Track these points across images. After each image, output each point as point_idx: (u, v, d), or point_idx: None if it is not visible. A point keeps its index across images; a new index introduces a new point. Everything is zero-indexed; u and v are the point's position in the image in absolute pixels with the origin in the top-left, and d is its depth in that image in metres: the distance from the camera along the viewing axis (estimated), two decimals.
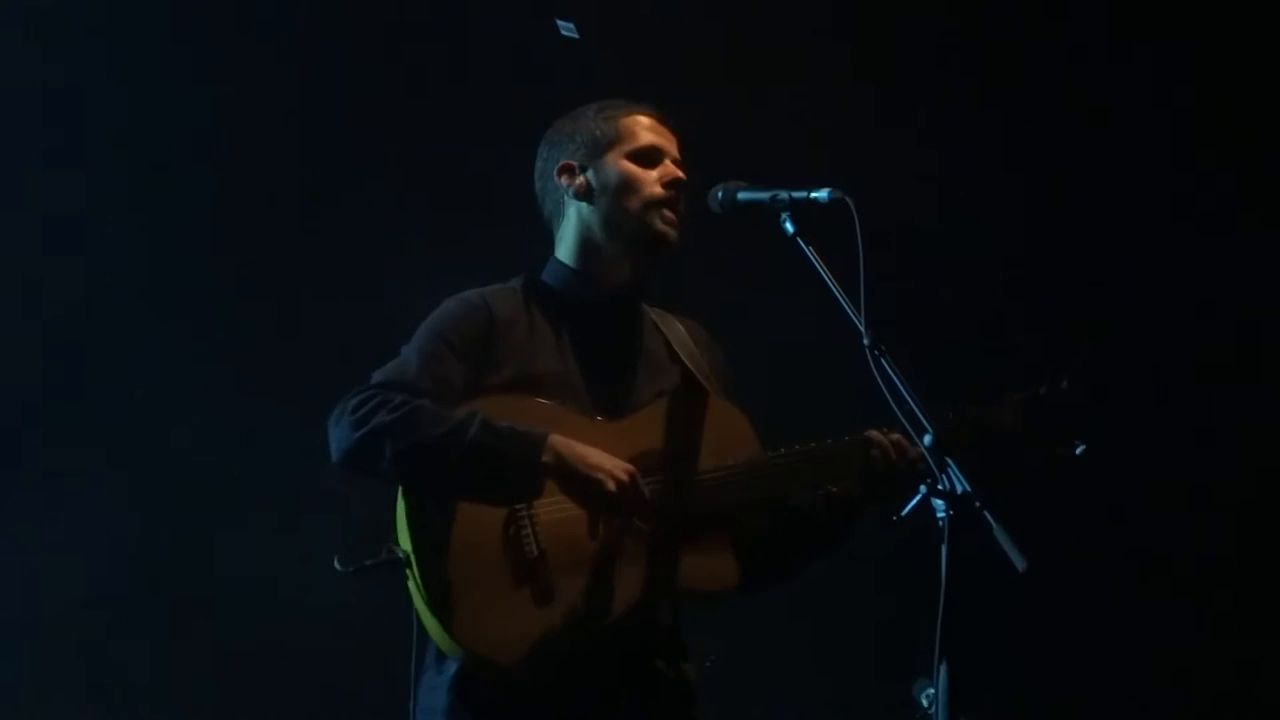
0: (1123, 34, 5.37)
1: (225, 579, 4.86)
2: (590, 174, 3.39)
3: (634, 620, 3.18)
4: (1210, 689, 5.18)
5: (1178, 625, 5.18)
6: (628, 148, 3.39)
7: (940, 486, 2.81)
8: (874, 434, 3.28)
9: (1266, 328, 5.30)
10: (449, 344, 3.26)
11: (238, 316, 4.98)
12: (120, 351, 4.89)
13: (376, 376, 3.22)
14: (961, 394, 3.38)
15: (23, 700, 4.76)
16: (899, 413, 2.95)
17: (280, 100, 5.02)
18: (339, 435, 3.16)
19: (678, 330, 3.49)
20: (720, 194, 3.31)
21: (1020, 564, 2.70)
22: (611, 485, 3.13)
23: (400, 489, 3.19)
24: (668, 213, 3.36)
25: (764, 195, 3.21)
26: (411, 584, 3.15)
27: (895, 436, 3.27)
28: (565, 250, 3.43)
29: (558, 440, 3.14)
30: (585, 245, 3.41)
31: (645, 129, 3.41)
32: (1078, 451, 3.36)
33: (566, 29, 4.73)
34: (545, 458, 3.12)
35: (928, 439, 2.87)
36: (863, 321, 2.96)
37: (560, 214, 3.44)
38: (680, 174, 3.38)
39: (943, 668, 2.77)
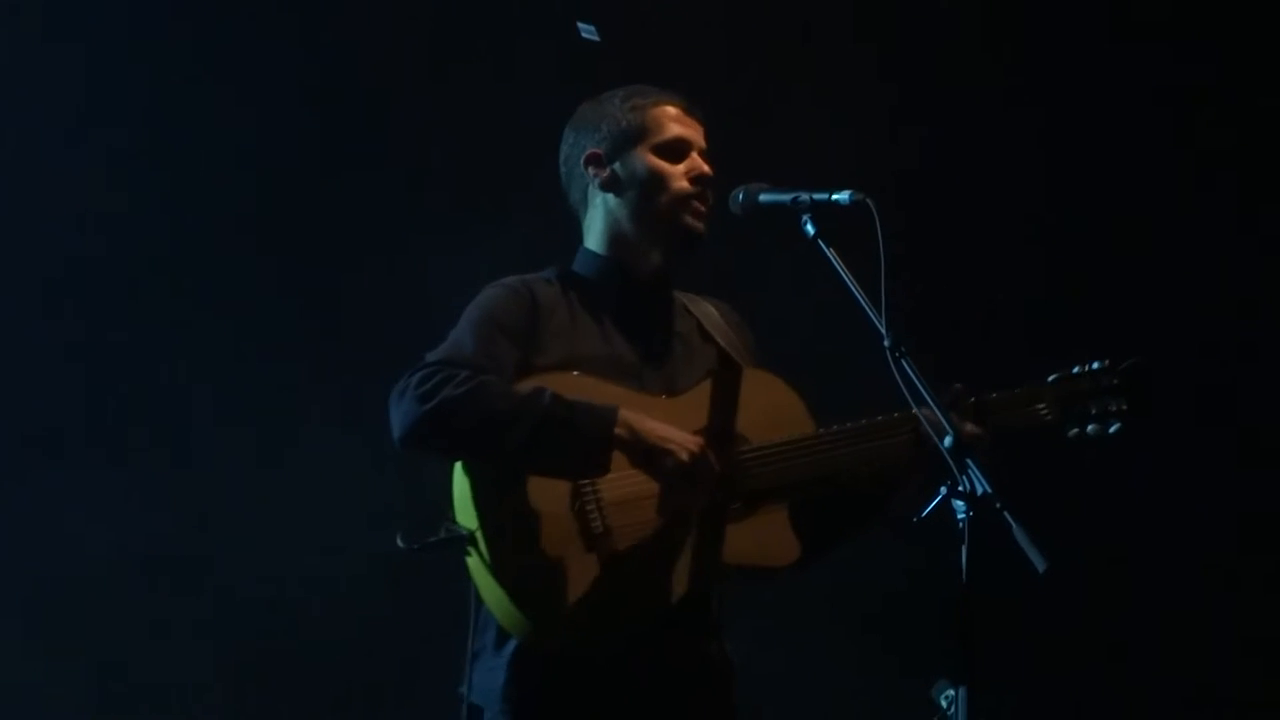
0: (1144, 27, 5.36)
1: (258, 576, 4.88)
2: (617, 166, 3.40)
3: (694, 597, 3.22)
4: (1231, 690, 5.17)
5: (1198, 627, 5.16)
6: (655, 140, 3.39)
7: (960, 487, 2.82)
8: (926, 410, 3.29)
9: None
10: (499, 326, 3.28)
11: (264, 312, 5.00)
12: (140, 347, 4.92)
13: (433, 356, 3.22)
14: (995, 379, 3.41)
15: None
16: (920, 414, 2.96)
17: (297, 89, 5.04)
18: (404, 412, 3.16)
19: (709, 311, 3.51)
20: (741, 196, 3.32)
21: (1040, 565, 2.70)
22: (684, 456, 3.14)
23: (460, 468, 3.21)
24: (697, 205, 3.37)
25: (785, 197, 3.22)
26: (474, 560, 3.17)
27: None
28: (594, 239, 3.45)
29: (628, 414, 3.16)
30: (614, 235, 3.42)
31: (672, 120, 3.41)
32: (1112, 430, 3.38)
33: (587, 31, 4.73)
34: (618, 430, 3.14)
35: (948, 441, 2.88)
36: (883, 323, 2.98)
37: (588, 203, 3.46)
38: (707, 169, 3.39)
39: (963, 669, 2.78)
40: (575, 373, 3.26)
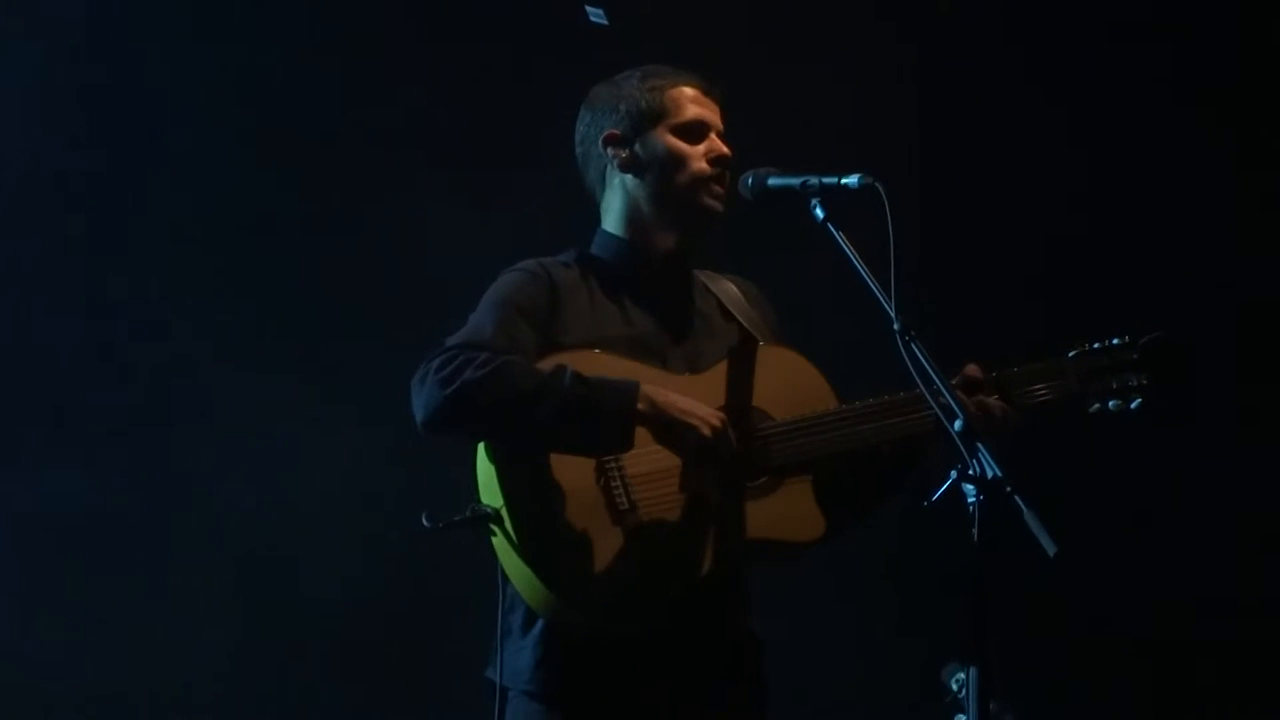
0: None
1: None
2: (636, 147, 3.40)
3: (721, 573, 3.23)
4: (1241, 676, 5.15)
5: (1212, 611, 5.13)
6: (673, 121, 3.39)
7: (971, 471, 2.81)
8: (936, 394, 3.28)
9: None
10: (518, 309, 3.29)
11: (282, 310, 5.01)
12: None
13: (453, 340, 3.24)
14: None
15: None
16: (929, 397, 2.96)
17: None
18: (426, 395, 3.17)
19: (729, 289, 3.51)
20: (750, 180, 3.33)
21: (1051, 549, 2.70)
22: (707, 431, 3.15)
23: (483, 450, 3.22)
24: (715, 187, 3.37)
25: (794, 181, 3.23)
26: (500, 541, 3.19)
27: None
28: (612, 221, 3.46)
29: (649, 389, 3.17)
30: (632, 216, 3.43)
31: (690, 101, 3.41)
32: (1134, 406, 3.37)
33: (595, 15, 4.72)
34: (640, 405, 3.15)
35: (958, 424, 2.87)
36: (893, 307, 2.97)
37: (606, 184, 3.46)
38: (725, 149, 3.39)
39: (974, 652, 2.78)
40: (596, 350, 3.28)
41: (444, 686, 4.42)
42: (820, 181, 3.18)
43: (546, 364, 3.21)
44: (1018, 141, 5.24)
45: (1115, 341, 3.41)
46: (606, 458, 3.20)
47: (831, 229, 3.13)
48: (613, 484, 3.19)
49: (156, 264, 4.92)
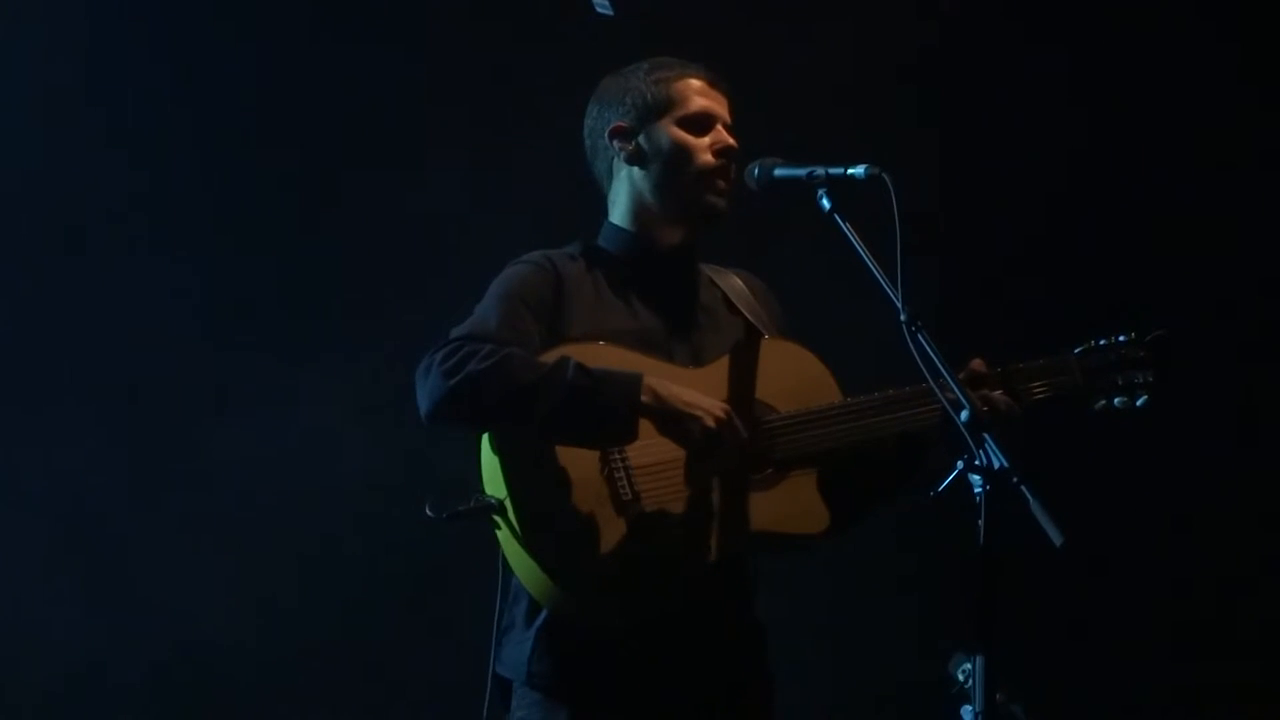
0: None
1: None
2: (642, 139, 3.40)
3: (726, 565, 3.23)
4: (1249, 663, 5.15)
5: (1220, 599, 5.14)
6: (680, 113, 3.39)
7: (977, 462, 2.81)
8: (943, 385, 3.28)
9: None
10: (523, 301, 3.29)
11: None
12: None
13: (457, 331, 3.24)
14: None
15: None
16: (936, 387, 2.96)
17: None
18: (430, 387, 3.18)
19: (734, 283, 3.51)
20: (756, 171, 3.32)
21: (1058, 539, 2.69)
22: (710, 422, 3.16)
23: (488, 442, 3.23)
24: (720, 183, 3.38)
25: (800, 171, 3.23)
26: (503, 531, 3.19)
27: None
28: (619, 213, 3.46)
29: (653, 381, 3.17)
30: (638, 209, 3.43)
31: (697, 93, 3.41)
32: (1139, 403, 3.37)
33: (601, 6, 4.72)
34: (643, 397, 3.15)
35: (965, 415, 2.87)
36: (899, 298, 2.97)
37: (612, 176, 3.46)
38: (731, 141, 3.38)
39: (980, 643, 2.79)
40: (601, 343, 3.28)
41: (448, 677, 4.40)
42: (827, 172, 3.17)
43: (551, 356, 3.21)
44: (1024, 139, 5.24)
45: (1121, 338, 3.41)
46: (611, 449, 3.20)
47: (838, 219, 3.13)
48: (616, 475, 3.19)
49: (162, 252, 4.93)
